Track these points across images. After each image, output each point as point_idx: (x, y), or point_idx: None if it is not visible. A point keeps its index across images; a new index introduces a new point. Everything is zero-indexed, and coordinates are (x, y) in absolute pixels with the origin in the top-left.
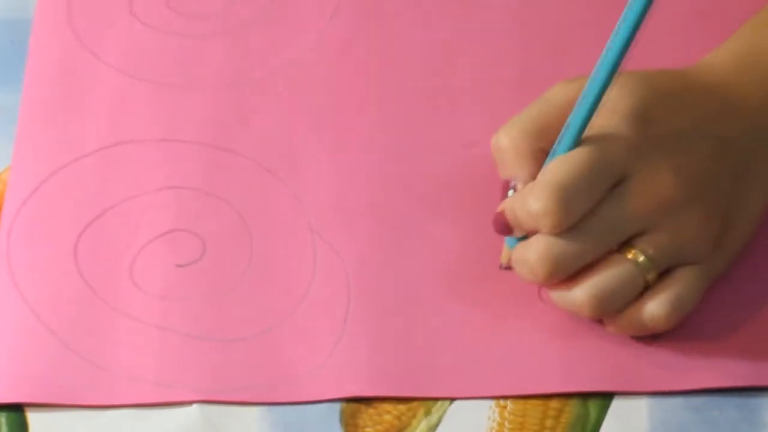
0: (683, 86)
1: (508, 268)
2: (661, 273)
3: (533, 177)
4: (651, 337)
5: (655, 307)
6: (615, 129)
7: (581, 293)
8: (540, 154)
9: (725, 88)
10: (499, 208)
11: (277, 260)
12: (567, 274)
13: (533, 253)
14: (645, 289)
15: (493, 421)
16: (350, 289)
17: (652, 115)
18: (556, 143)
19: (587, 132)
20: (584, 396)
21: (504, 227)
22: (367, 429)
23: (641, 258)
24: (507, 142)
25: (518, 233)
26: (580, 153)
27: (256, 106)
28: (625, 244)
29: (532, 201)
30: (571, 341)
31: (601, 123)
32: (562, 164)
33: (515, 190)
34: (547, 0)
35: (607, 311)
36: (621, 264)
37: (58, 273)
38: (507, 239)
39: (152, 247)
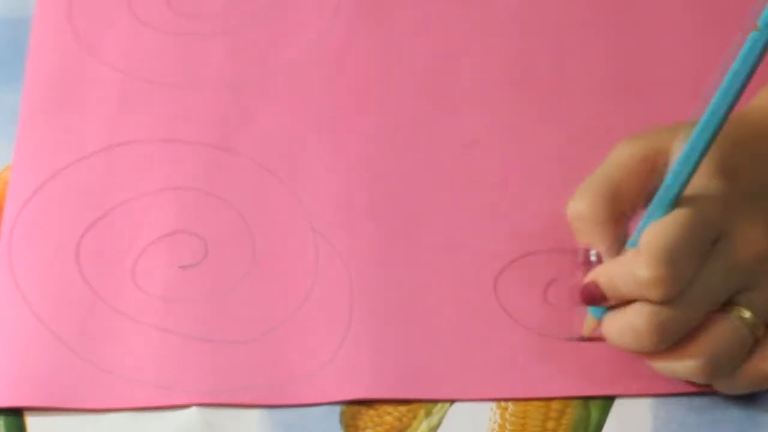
0: (752, 133)
1: (590, 339)
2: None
3: (615, 243)
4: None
5: (766, 364)
6: (705, 187)
7: (693, 361)
8: (620, 218)
9: None
10: (590, 277)
11: (278, 261)
12: (674, 340)
13: (640, 322)
14: (754, 346)
15: (494, 422)
16: (353, 291)
17: (735, 167)
18: (651, 206)
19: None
20: (586, 397)
21: (597, 297)
22: (368, 430)
23: (747, 315)
24: (585, 209)
25: (612, 302)
26: (679, 215)
27: (256, 106)
28: (729, 303)
29: (641, 269)
30: (573, 344)
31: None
32: (664, 228)
33: (598, 259)
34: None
35: (719, 374)
36: (729, 324)
37: (59, 274)
38: (591, 310)
39: (154, 248)
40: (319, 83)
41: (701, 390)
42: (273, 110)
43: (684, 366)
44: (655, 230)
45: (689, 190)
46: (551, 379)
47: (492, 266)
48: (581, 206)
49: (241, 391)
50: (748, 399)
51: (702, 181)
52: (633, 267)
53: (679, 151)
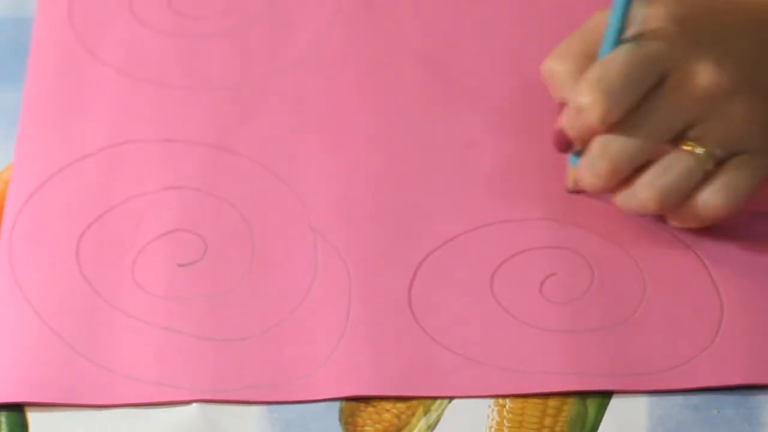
0: (725, 5)
1: (576, 191)
2: (719, 163)
3: None
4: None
5: (709, 195)
6: (655, 30)
7: (645, 190)
8: None
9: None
10: (557, 126)
11: (278, 260)
12: (627, 171)
13: (593, 157)
14: (704, 180)
15: (492, 419)
16: (351, 289)
17: (694, 18)
18: (600, 47)
19: (627, 34)
20: (583, 394)
21: (564, 142)
22: (367, 428)
23: (698, 149)
24: (559, 65)
25: (578, 145)
26: (621, 49)
27: (257, 106)
28: (680, 138)
29: (579, 97)
30: (570, 340)
31: (641, 25)
32: (604, 61)
33: None
34: (547, 0)
35: (671, 205)
36: (678, 157)
37: (60, 272)
38: (570, 159)
39: (154, 246)
40: (319, 83)
41: (698, 387)
42: (273, 110)
43: (636, 193)
44: (597, 63)
45: (638, 30)
46: (548, 374)
47: (489, 263)
48: (555, 64)
49: (241, 389)
50: (744, 397)
51: (653, 25)
52: (575, 96)
53: None
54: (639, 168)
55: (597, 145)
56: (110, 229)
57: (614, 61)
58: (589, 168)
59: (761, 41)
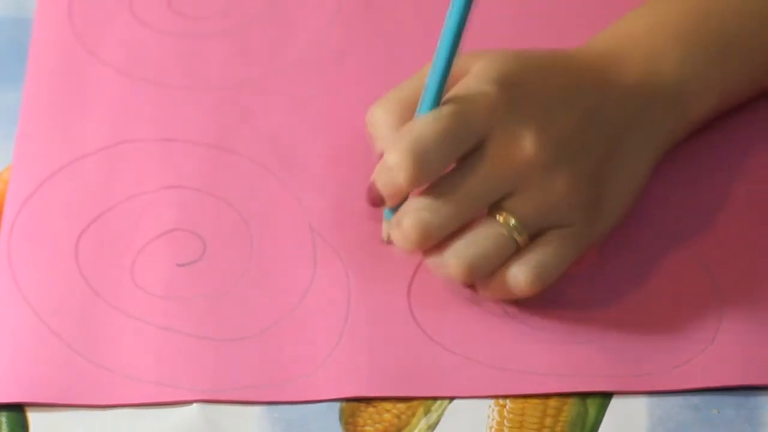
0: (556, 62)
1: (390, 242)
2: (533, 237)
3: None
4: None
5: (518, 271)
6: (476, 90)
7: (453, 257)
8: None
9: (601, 64)
10: (371, 179)
11: (277, 260)
12: (438, 238)
13: (405, 220)
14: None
15: (492, 419)
16: (350, 289)
17: (517, 82)
18: (417, 107)
19: (449, 95)
20: (583, 395)
21: (376, 197)
22: (367, 428)
23: (511, 221)
24: (381, 116)
25: (388, 203)
26: (437, 112)
27: (256, 106)
28: (495, 208)
29: (389, 156)
30: (569, 340)
31: (464, 86)
32: (418, 122)
33: None
34: (546, 8)
35: (478, 275)
36: (490, 227)
37: (59, 272)
38: (385, 213)
39: (153, 246)
40: (319, 83)
41: (698, 388)
42: (273, 110)
43: (444, 261)
44: (411, 123)
45: (458, 91)
46: (549, 375)
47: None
48: (378, 113)
49: (241, 389)
50: (744, 397)
51: (475, 85)
52: (386, 155)
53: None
54: (452, 234)
55: (408, 208)
56: (109, 228)
57: (429, 123)
58: (399, 230)
59: (586, 110)
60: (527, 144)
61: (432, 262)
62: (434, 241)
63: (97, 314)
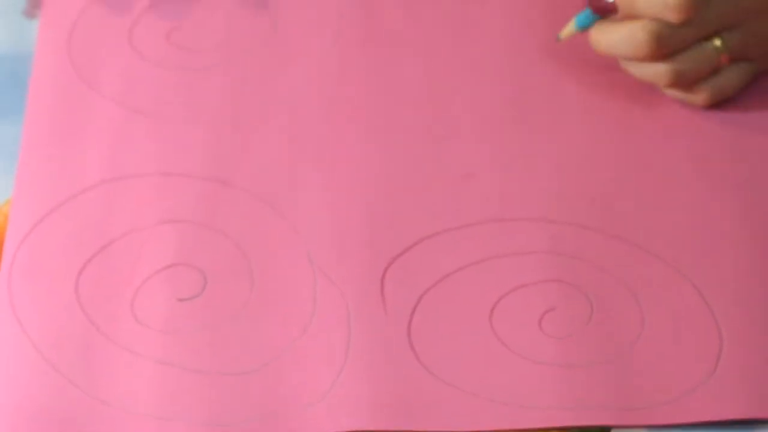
0: None
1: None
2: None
3: None
4: None
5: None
6: None
7: (664, 66)
8: None
9: None
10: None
11: (277, 293)
12: (665, 55)
13: (643, 34)
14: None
15: None
16: (350, 322)
17: None
18: None
19: None
20: (582, 428)
21: (609, 7)
22: None
23: (718, 43)
24: None
25: (619, 15)
26: None
27: (254, 138)
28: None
29: None
30: (568, 374)
31: None
32: None
33: None
34: (545, 29)
35: (683, 83)
36: (704, 47)
37: (59, 307)
38: (577, 20)
39: (153, 281)
40: (316, 115)
41: (697, 422)
42: (270, 142)
43: (655, 68)
44: None
45: None
46: (547, 409)
47: (488, 297)
48: None
49: (241, 424)
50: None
51: None
52: None
53: None
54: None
55: (649, 28)
56: (110, 263)
57: None
58: (627, 41)
59: None
60: None
61: (636, 66)
62: (662, 52)
63: (98, 349)
